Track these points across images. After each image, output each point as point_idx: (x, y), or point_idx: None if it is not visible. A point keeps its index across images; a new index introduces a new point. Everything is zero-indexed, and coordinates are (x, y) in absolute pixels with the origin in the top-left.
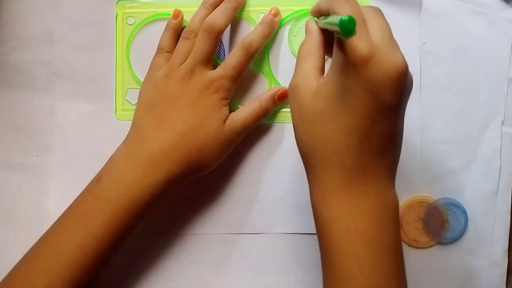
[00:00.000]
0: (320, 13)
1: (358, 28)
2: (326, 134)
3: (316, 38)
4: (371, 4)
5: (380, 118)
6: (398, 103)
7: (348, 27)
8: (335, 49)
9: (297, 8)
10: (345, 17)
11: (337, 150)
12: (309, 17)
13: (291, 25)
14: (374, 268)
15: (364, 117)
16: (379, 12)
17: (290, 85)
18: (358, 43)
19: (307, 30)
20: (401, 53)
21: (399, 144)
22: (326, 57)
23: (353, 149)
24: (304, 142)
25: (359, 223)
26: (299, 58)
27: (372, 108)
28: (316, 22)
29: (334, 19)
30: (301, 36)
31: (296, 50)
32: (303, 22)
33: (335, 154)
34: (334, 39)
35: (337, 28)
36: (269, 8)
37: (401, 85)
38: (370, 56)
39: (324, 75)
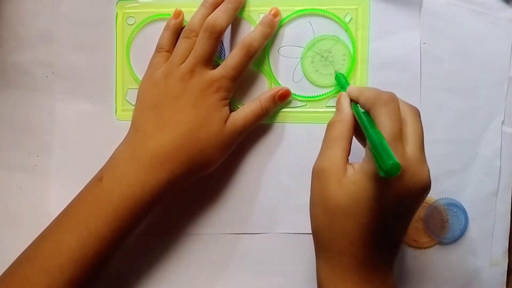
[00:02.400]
0: (358, 103)
1: (395, 143)
2: (345, 226)
3: (348, 122)
4: (372, 5)
5: (397, 222)
6: (414, 211)
7: (393, 173)
8: (367, 156)
9: (297, 8)
10: (390, 165)
11: (353, 242)
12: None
13: (305, 50)
14: None
15: (384, 220)
16: (417, 114)
17: (315, 166)
18: None
19: (338, 107)
20: (427, 166)
21: (403, 240)
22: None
23: (369, 244)
24: (321, 226)
25: None
26: (329, 139)
27: (393, 214)
28: (350, 103)
29: (380, 152)
30: (318, 64)
31: (312, 76)
32: (319, 47)
33: (350, 245)
34: (366, 146)
35: (379, 162)
36: (269, 8)
37: (422, 198)
38: (402, 173)
39: (351, 166)
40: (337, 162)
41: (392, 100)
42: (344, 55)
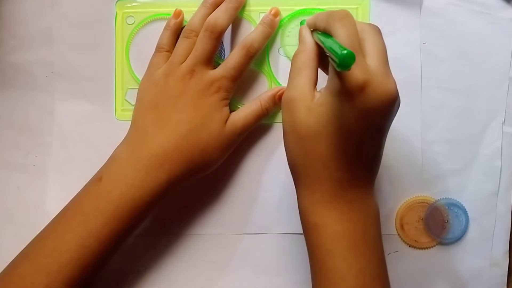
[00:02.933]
0: (316, 28)
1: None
2: (317, 150)
3: (310, 50)
4: (372, 5)
5: (369, 138)
6: (387, 125)
7: (347, 63)
8: (331, 71)
9: (297, 8)
10: (343, 53)
11: (328, 164)
12: (301, 17)
13: (284, 23)
14: (361, 268)
15: (356, 137)
16: (377, 31)
17: (283, 97)
18: (355, 72)
19: (301, 39)
20: (393, 78)
21: (380, 159)
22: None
23: (343, 164)
24: (295, 155)
25: (347, 227)
26: (293, 70)
27: (363, 130)
28: (311, 32)
29: (334, 49)
30: (293, 37)
31: (289, 50)
32: (296, 22)
33: (325, 168)
34: (329, 61)
35: (334, 58)
36: (269, 8)
37: (392, 110)
38: (365, 85)
39: (319, 93)
40: (303, 89)
41: (347, 15)
42: None
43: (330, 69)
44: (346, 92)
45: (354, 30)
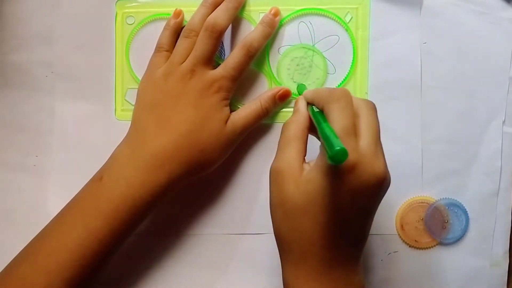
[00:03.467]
0: (313, 104)
1: (347, 138)
2: (303, 227)
3: (303, 122)
4: (372, 5)
5: (356, 218)
6: (374, 205)
7: (339, 159)
8: (321, 151)
9: (297, 8)
10: (337, 149)
11: (313, 242)
12: (301, 17)
13: (282, 56)
14: None
15: (342, 217)
16: (372, 108)
17: (272, 168)
18: None
19: (295, 109)
20: (382, 159)
21: (367, 236)
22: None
23: (328, 243)
24: (281, 229)
25: None
26: (283, 140)
27: (350, 210)
28: (307, 105)
29: (328, 138)
30: (294, 72)
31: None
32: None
33: (310, 246)
34: (320, 143)
35: (327, 149)
36: (269, 8)
37: (379, 192)
38: (354, 167)
39: (308, 165)
40: (292, 162)
41: (344, 96)
42: (317, 78)
43: (320, 148)
44: (335, 172)
45: (349, 112)
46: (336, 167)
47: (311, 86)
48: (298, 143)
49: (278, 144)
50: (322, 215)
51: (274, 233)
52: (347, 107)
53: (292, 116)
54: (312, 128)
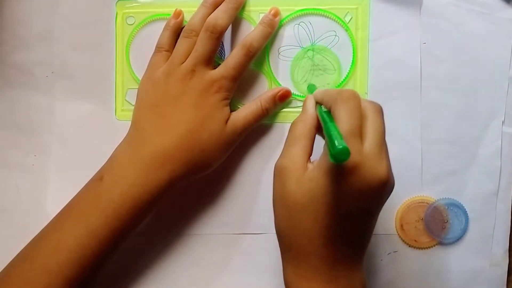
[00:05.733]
0: (322, 103)
1: (351, 139)
2: (304, 224)
3: (310, 121)
4: (372, 5)
5: (357, 219)
6: (376, 208)
7: (341, 158)
8: (325, 150)
9: (297, 8)
10: (339, 148)
11: (313, 240)
12: (301, 17)
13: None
14: None
15: (343, 217)
16: (378, 110)
17: (276, 164)
18: None
19: (303, 109)
20: (386, 162)
21: (369, 237)
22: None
23: (328, 242)
24: (282, 225)
25: None
26: (291, 137)
27: (351, 210)
28: (315, 105)
29: (332, 136)
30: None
31: (295, 78)
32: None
33: (310, 244)
34: (325, 143)
35: (330, 147)
36: (269, 8)
37: (381, 195)
38: (357, 167)
39: (312, 164)
40: (297, 160)
41: (352, 97)
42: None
43: (324, 147)
44: (337, 172)
45: (356, 113)
46: (339, 167)
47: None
48: (304, 142)
49: (285, 142)
50: (323, 214)
51: (276, 229)
52: (354, 108)
53: (300, 115)
54: (319, 128)
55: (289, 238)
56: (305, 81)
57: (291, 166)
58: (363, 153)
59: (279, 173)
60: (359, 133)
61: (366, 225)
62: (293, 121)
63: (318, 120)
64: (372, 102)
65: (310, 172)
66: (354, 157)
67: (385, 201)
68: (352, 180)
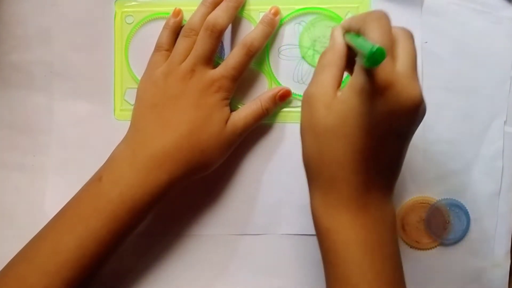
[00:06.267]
0: (350, 30)
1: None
2: (334, 149)
3: (340, 50)
4: (371, 4)
5: (390, 142)
6: (409, 132)
7: (376, 59)
8: (356, 69)
9: (297, 7)
10: (374, 48)
11: (344, 166)
12: (301, 17)
13: (305, 49)
14: (376, 276)
15: (375, 140)
16: (410, 36)
17: (305, 92)
18: (381, 72)
19: (332, 39)
20: (419, 84)
21: (401, 165)
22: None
23: (359, 167)
24: (311, 153)
25: (361, 234)
26: (319, 66)
27: (384, 133)
28: (343, 35)
29: (364, 45)
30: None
31: (303, 42)
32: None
33: (341, 169)
34: (357, 59)
35: (364, 54)
36: (269, 7)
37: (414, 116)
38: (390, 86)
39: (341, 90)
40: (326, 86)
41: (383, 16)
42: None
43: (356, 67)
44: (369, 91)
45: (388, 30)
46: (372, 85)
47: None
48: (333, 69)
49: (314, 71)
50: (355, 136)
51: (303, 158)
52: (385, 27)
53: (329, 46)
54: (349, 62)
55: (318, 166)
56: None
57: (320, 92)
58: (397, 72)
59: (307, 101)
60: (391, 53)
61: (398, 151)
62: (322, 52)
63: (348, 51)
64: (403, 28)
65: (342, 95)
66: (387, 75)
67: (418, 126)
68: (386, 99)
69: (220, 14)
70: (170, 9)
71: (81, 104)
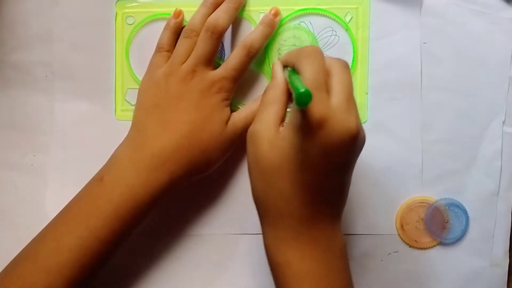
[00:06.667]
0: (287, 65)
1: (317, 92)
2: (279, 186)
3: (280, 85)
4: (372, 5)
5: (331, 174)
6: (349, 162)
7: (303, 102)
8: (292, 108)
9: (297, 8)
10: (301, 91)
11: (289, 201)
12: (301, 17)
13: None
14: None
15: (317, 174)
16: (345, 66)
17: (249, 130)
18: (315, 108)
19: (273, 75)
20: (355, 114)
21: (346, 194)
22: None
23: (304, 201)
24: (258, 190)
25: (310, 267)
26: (263, 104)
27: (324, 166)
28: (283, 69)
29: (295, 85)
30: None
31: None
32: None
33: (287, 205)
34: (292, 96)
35: (293, 94)
36: (269, 8)
37: (352, 148)
38: (325, 122)
39: (283, 126)
40: (268, 123)
41: (315, 52)
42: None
43: (292, 104)
44: (306, 127)
45: (319, 67)
46: (308, 121)
47: None
48: (275, 106)
49: (258, 109)
50: (297, 172)
51: (252, 195)
52: (317, 62)
53: (270, 82)
54: (290, 94)
55: (266, 202)
56: None
57: (263, 130)
58: (331, 107)
59: (252, 138)
60: (325, 88)
61: (341, 181)
62: (265, 89)
63: (287, 84)
64: (337, 59)
65: (282, 132)
66: (321, 110)
67: (358, 156)
68: (322, 134)
69: (220, 15)
70: (171, 10)
71: (82, 104)
